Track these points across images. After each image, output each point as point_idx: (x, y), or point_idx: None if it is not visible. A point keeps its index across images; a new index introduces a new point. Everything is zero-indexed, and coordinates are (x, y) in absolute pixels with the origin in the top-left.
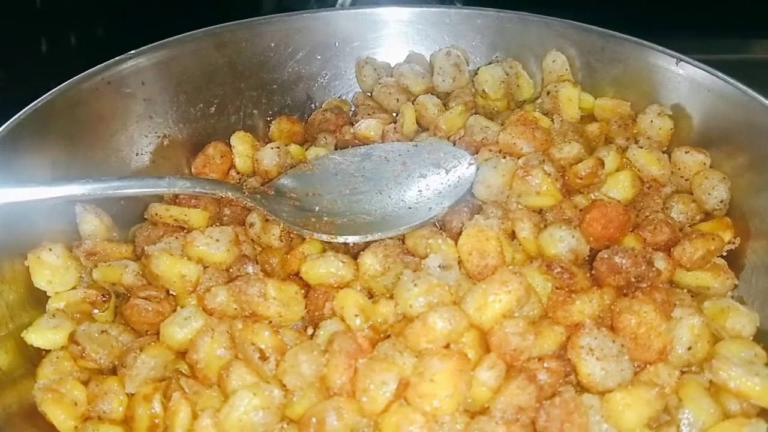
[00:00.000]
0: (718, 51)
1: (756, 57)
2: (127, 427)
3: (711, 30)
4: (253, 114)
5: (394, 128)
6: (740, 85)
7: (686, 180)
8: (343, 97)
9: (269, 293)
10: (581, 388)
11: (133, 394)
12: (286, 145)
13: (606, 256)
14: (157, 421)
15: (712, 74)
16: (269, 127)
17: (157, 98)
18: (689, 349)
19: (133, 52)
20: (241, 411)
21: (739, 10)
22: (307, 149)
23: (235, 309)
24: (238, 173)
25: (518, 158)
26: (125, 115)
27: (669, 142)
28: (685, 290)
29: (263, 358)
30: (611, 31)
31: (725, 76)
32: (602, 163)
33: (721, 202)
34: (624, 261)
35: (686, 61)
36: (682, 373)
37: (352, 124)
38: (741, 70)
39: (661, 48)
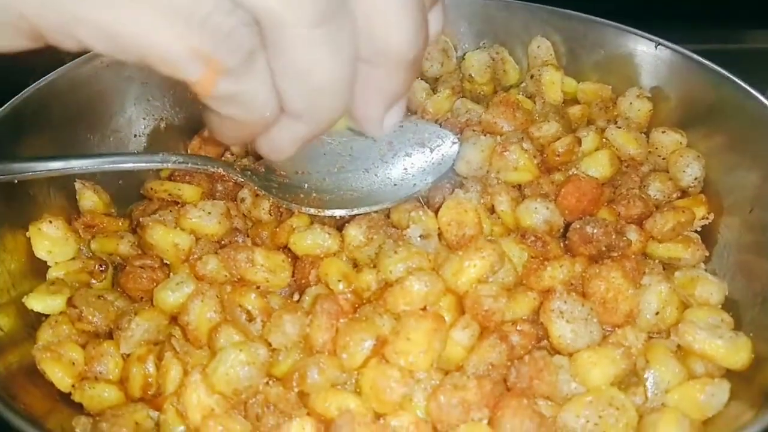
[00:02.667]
0: (710, 41)
1: (749, 47)
2: (122, 386)
3: (702, 20)
4: None
5: None
6: (715, 67)
7: (663, 159)
8: None
9: (257, 260)
10: (553, 350)
11: (127, 356)
12: None
13: (578, 226)
14: (150, 380)
15: (689, 57)
16: None
17: (154, 82)
18: (657, 314)
19: None
20: (228, 365)
21: (731, 1)
22: None
23: (225, 276)
24: (233, 155)
25: (498, 136)
26: (124, 98)
27: (648, 123)
28: (657, 261)
29: (250, 318)
30: (593, 17)
31: (701, 59)
32: (579, 141)
33: (696, 179)
34: (595, 231)
35: (665, 45)
36: (651, 338)
37: None
38: (734, 60)
39: (640, 32)
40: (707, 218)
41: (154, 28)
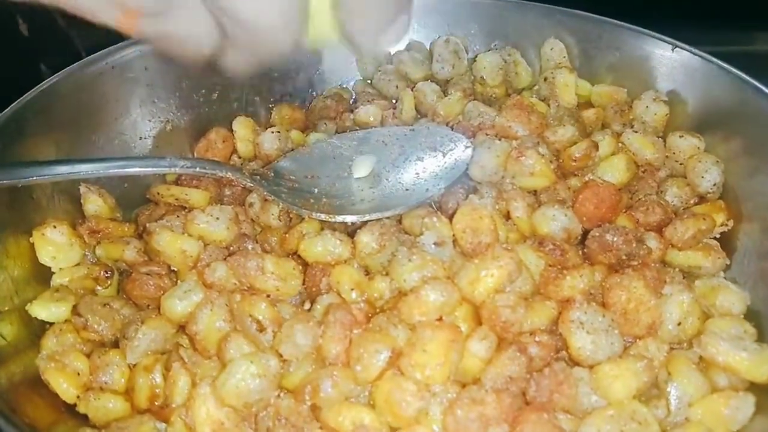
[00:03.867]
0: (721, 43)
1: (760, 49)
2: (128, 397)
3: (714, 22)
4: (255, 101)
5: (393, 114)
6: (734, 71)
7: (680, 164)
8: (344, 85)
9: (267, 267)
10: (572, 362)
11: (134, 366)
12: (287, 131)
13: (597, 234)
14: (157, 390)
15: (707, 60)
16: (270, 113)
17: (160, 84)
18: (679, 324)
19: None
20: (238, 378)
21: (743, 2)
22: (307, 135)
23: (234, 283)
24: (240, 158)
25: (513, 140)
26: (129, 100)
27: (664, 127)
28: (677, 269)
29: (260, 329)
30: (608, 19)
31: (720, 62)
32: (596, 146)
33: (714, 185)
34: (615, 239)
35: (682, 48)
36: (672, 349)
37: (353, 111)
38: (743, 62)
39: (657, 35)
40: (726, 225)
41: None
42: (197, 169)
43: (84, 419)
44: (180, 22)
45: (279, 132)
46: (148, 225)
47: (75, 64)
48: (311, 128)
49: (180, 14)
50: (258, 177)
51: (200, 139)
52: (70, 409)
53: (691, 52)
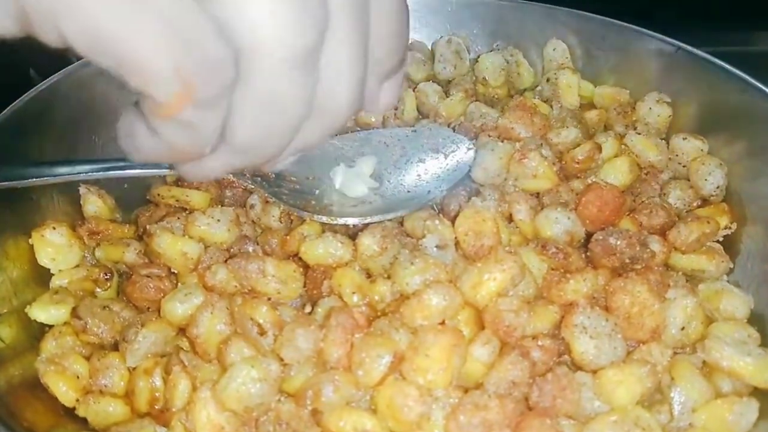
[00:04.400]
0: (722, 43)
1: (761, 49)
2: (128, 401)
3: (717, 22)
4: None
5: (395, 114)
6: (738, 73)
7: (684, 166)
8: None
9: (268, 270)
10: (575, 366)
11: (134, 369)
12: None
13: (601, 237)
14: (157, 394)
15: (711, 62)
16: None
17: None
18: (682, 329)
19: None
20: (239, 382)
21: (746, 2)
22: None
23: (235, 286)
24: None
25: (516, 142)
26: (129, 100)
27: (668, 129)
28: (680, 273)
29: (261, 332)
30: (611, 20)
31: (724, 64)
32: (599, 148)
33: (718, 187)
34: (618, 242)
35: (685, 49)
36: (675, 353)
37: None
38: (746, 62)
39: (660, 36)
40: (730, 228)
41: (143, 34)
42: None
43: (83, 423)
44: (217, 116)
45: None
46: (148, 227)
47: (74, 63)
48: None
49: (223, 108)
50: (259, 178)
51: None
52: (70, 412)
53: (694, 53)
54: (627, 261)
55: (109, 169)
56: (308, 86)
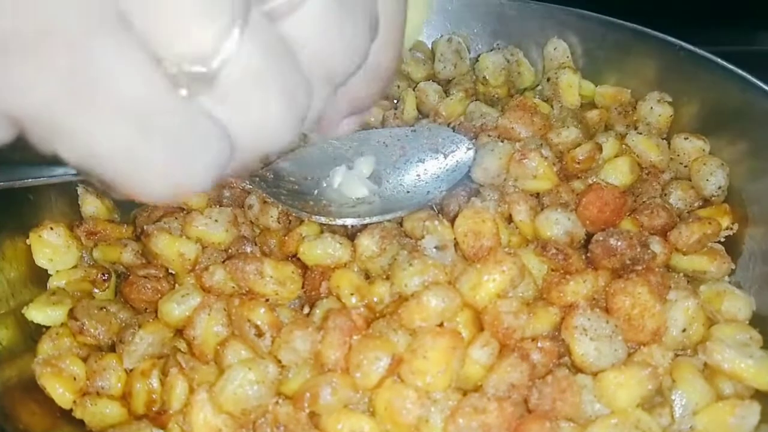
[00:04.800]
0: (724, 43)
1: (763, 49)
2: (125, 402)
3: (717, 21)
4: None
5: (394, 114)
6: (740, 72)
7: (685, 166)
8: None
9: (266, 271)
10: (575, 368)
11: (131, 370)
12: None
13: (601, 238)
14: (154, 396)
15: (713, 61)
16: None
17: None
18: (683, 331)
19: None
20: (236, 384)
21: (748, 2)
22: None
23: (233, 287)
24: None
25: (516, 142)
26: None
27: (669, 129)
28: (681, 274)
29: (259, 334)
30: (612, 19)
31: (725, 63)
32: (600, 148)
33: (719, 188)
34: (619, 243)
35: (687, 49)
36: (677, 355)
37: None
38: (748, 62)
39: (661, 35)
40: (731, 228)
41: (149, 168)
42: None
43: (80, 425)
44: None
45: None
46: (145, 227)
47: None
48: None
49: None
50: (257, 178)
51: None
52: (66, 414)
53: (696, 52)
54: (628, 262)
55: None
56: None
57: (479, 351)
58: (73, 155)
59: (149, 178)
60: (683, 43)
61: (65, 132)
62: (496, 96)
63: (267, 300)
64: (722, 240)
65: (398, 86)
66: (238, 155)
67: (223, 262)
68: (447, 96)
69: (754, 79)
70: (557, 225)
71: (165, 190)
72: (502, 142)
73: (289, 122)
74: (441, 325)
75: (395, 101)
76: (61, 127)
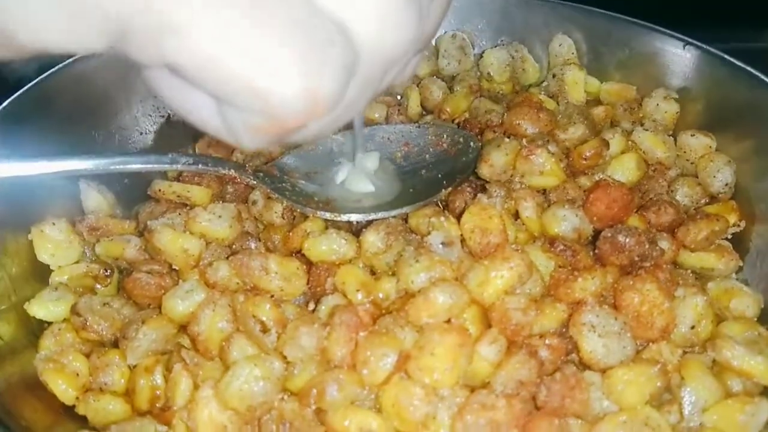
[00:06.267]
0: (731, 40)
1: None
2: (128, 399)
3: (722, 18)
4: None
5: (398, 111)
6: (748, 68)
7: (692, 163)
8: None
9: (271, 267)
10: (583, 365)
11: (134, 366)
12: None
13: (609, 234)
14: (158, 392)
15: (720, 57)
16: None
17: None
18: (692, 328)
19: None
20: (242, 381)
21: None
22: None
23: (237, 283)
24: (242, 154)
25: (522, 138)
26: (130, 95)
27: (675, 125)
28: (689, 271)
29: (264, 330)
30: (618, 15)
31: (732, 59)
32: (607, 144)
33: (726, 185)
34: (627, 240)
35: (693, 45)
36: (685, 353)
37: None
38: (754, 59)
39: (668, 31)
40: (738, 226)
41: (267, 63)
42: (200, 166)
43: (83, 421)
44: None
45: None
46: (148, 223)
47: (73, 57)
48: None
49: None
50: (261, 174)
51: (202, 135)
52: (69, 411)
53: (702, 49)
54: (636, 259)
55: (109, 164)
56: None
57: (487, 348)
58: (188, 62)
59: (274, 82)
60: (689, 39)
61: (176, 29)
62: (501, 92)
63: (272, 296)
64: (729, 237)
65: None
66: (362, 65)
67: (228, 258)
68: (451, 92)
69: (762, 76)
70: (565, 221)
71: (298, 98)
72: (509, 138)
73: (411, 17)
74: (448, 321)
75: (399, 97)
76: (170, 25)
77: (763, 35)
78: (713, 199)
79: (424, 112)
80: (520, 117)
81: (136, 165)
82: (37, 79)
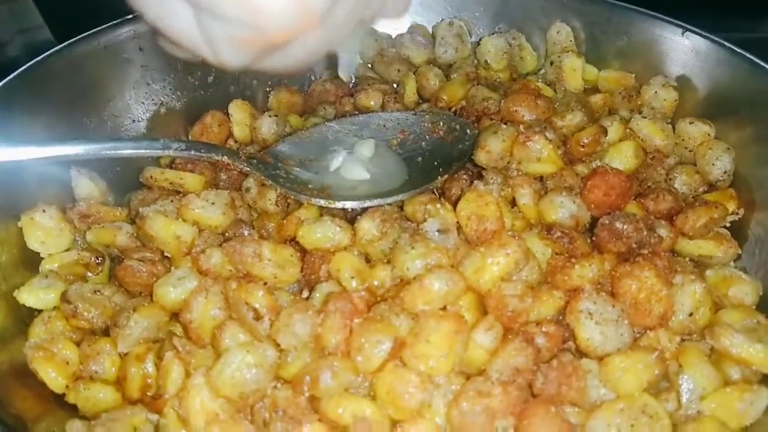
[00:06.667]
0: (729, 29)
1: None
2: (119, 387)
3: (721, 9)
4: (252, 84)
5: (395, 98)
6: (747, 55)
7: (690, 151)
8: None
9: (264, 254)
10: (580, 353)
11: (125, 354)
12: (285, 116)
13: (607, 221)
14: (149, 380)
15: (719, 44)
16: (268, 97)
17: (154, 65)
18: (690, 315)
19: (130, 16)
20: (234, 368)
21: None
22: (305, 120)
23: (230, 270)
24: (236, 142)
25: (520, 125)
26: (122, 81)
27: (673, 113)
28: (687, 259)
29: (257, 317)
30: (616, 2)
31: (732, 46)
32: (605, 131)
33: (725, 172)
34: (625, 227)
35: (692, 31)
36: (683, 340)
37: (352, 96)
38: (752, 49)
39: (666, 18)
40: (737, 213)
41: None
42: (192, 152)
43: (73, 410)
44: None
45: (277, 116)
46: (140, 210)
47: (66, 42)
48: (310, 113)
49: None
50: (255, 161)
51: (195, 123)
52: (59, 399)
53: (701, 35)
54: (634, 246)
55: (100, 149)
56: None
57: (483, 335)
58: None
59: None
60: (689, 26)
61: None
62: (498, 80)
63: (265, 283)
64: (728, 225)
65: (398, 70)
66: None
67: (220, 245)
68: (448, 80)
69: (761, 62)
70: (562, 208)
71: (288, 8)
72: (506, 124)
73: None
74: (444, 308)
75: (395, 85)
76: None
77: (762, 26)
78: (712, 187)
79: (420, 101)
80: (517, 104)
81: (127, 150)
82: (28, 64)
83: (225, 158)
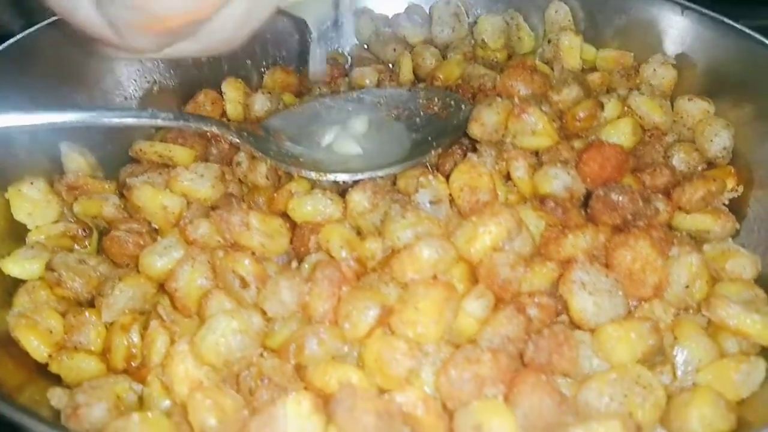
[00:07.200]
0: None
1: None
2: (104, 358)
3: None
4: (246, 64)
5: (390, 77)
6: (747, 31)
7: (689, 129)
8: (340, 50)
9: (252, 223)
10: (573, 325)
11: (110, 325)
12: (279, 94)
13: (602, 192)
14: (134, 350)
15: (718, 22)
16: (263, 77)
17: None
18: (687, 287)
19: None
20: (218, 334)
21: None
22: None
23: (218, 241)
24: (229, 120)
25: (515, 98)
26: (113, 58)
27: (672, 91)
28: (684, 233)
29: (244, 285)
30: None
31: (732, 22)
32: (601, 105)
33: (724, 149)
34: (621, 198)
35: (691, 9)
36: (679, 314)
37: (348, 76)
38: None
39: None
40: (736, 191)
41: None
42: (181, 122)
43: (56, 380)
44: None
45: (270, 93)
46: (128, 180)
47: (55, 16)
48: (305, 93)
49: None
50: (245, 133)
51: (188, 101)
52: (42, 369)
53: (700, 13)
54: (629, 217)
55: (85, 117)
56: None
57: (474, 303)
58: None
59: None
60: (687, 3)
61: None
62: (495, 60)
63: (253, 253)
64: (726, 203)
65: (394, 49)
66: None
67: (208, 215)
68: (444, 60)
69: (761, 38)
70: (556, 180)
71: None
72: (501, 98)
73: None
74: (434, 278)
75: (391, 65)
76: None
77: (761, 13)
78: (711, 164)
79: (416, 80)
80: (513, 78)
81: (113, 119)
82: (18, 36)
83: (214, 128)
